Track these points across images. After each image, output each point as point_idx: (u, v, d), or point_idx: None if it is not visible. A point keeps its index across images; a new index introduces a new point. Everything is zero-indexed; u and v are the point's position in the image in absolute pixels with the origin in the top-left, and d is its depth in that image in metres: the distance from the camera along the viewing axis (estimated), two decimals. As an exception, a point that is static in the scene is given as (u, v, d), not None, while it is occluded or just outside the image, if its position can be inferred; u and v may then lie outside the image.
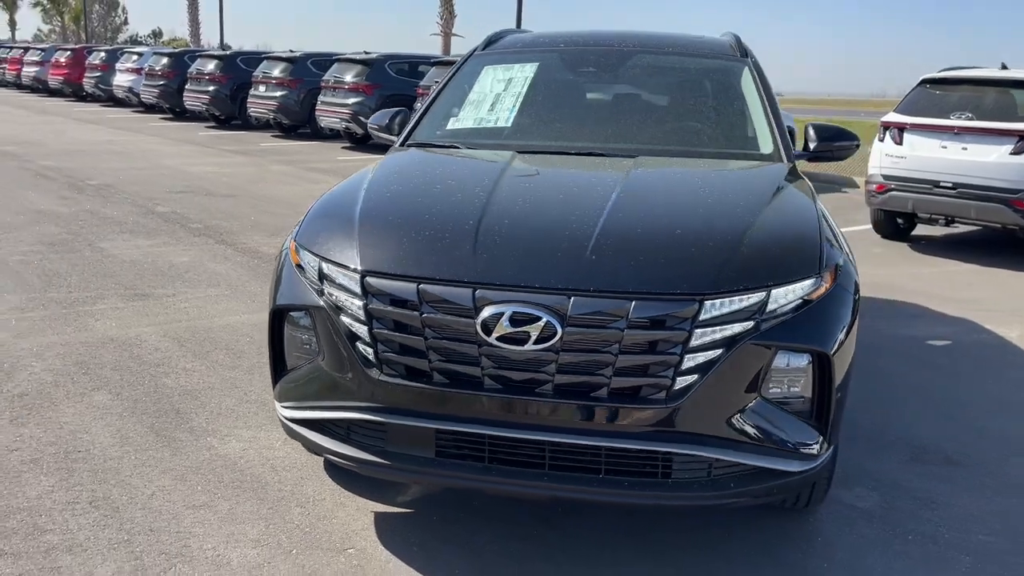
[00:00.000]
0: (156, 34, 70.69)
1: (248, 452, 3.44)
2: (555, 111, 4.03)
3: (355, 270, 2.56)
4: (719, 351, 2.38)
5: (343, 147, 16.43)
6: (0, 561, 2.62)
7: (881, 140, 8.28)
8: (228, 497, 3.07)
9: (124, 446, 3.45)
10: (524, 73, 4.10)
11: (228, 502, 3.04)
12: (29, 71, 28.69)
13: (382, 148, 4.05)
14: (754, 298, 2.42)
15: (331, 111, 15.83)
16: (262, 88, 17.73)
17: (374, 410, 2.54)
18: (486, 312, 2.37)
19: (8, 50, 32.15)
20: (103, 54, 24.84)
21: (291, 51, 18.55)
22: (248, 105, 18.14)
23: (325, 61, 17.26)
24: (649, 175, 3.29)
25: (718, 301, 2.39)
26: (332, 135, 17.13)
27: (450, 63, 13.73)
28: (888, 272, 7.29)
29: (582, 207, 2.79)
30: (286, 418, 2.77)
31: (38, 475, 3.17)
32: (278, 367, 2.85)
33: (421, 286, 2.45)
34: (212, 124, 19.85)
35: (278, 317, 2.80)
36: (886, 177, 8.13)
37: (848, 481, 3.37)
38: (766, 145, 3.61)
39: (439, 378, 2.46)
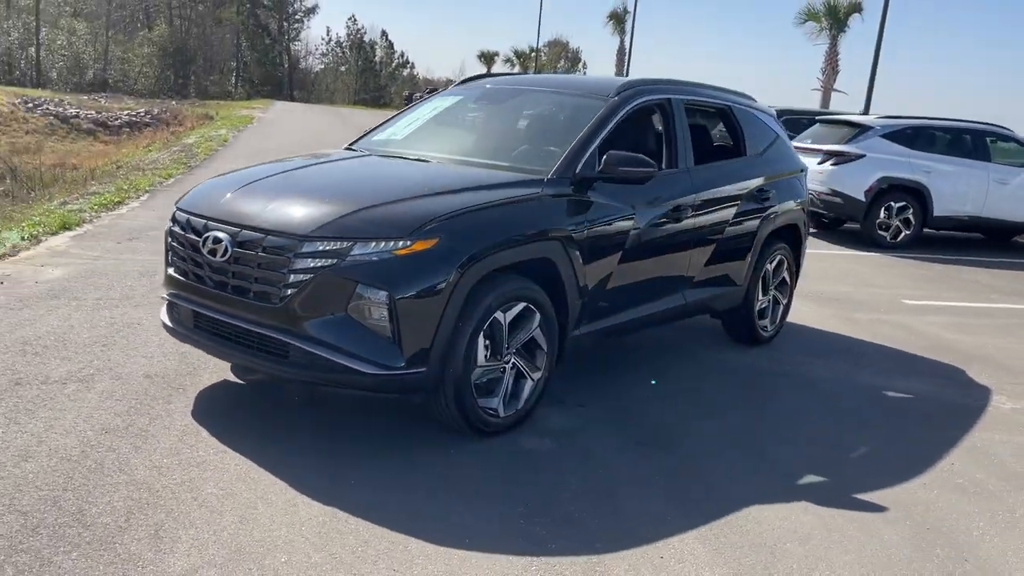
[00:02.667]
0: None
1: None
2: (432, 131, 5.18)
3: (175, 206, 4.16)
4: (310, 275, 3.53)
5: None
6: (31, 359, 4.65)
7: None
8: (169, 357, 4.81)
9: (160, 328, 5.40)
10: (446, 103, 5.32)
11: (164, 358, 4.78)
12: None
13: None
14: (340, 244, 3.52)
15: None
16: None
17: (171, 295, 4.11)
18: (204, 234, 3.81)
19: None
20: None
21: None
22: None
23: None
24: (405, 170, 4.43)
25: (312, 243, 3.54)
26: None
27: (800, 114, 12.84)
28: (994, 341, 6.75)
29: (316, 181, 4.07)
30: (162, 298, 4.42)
31: (98, 332, 5.22)
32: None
33: (188, 217, 3.97)
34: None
35: (165, 236, 4.49)
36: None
37: (548, 435, 4.10)
38: (553, 163, 4.38)
39: (191, 276, 3.94)
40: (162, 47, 53.62)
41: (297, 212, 3.72)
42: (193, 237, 3.90)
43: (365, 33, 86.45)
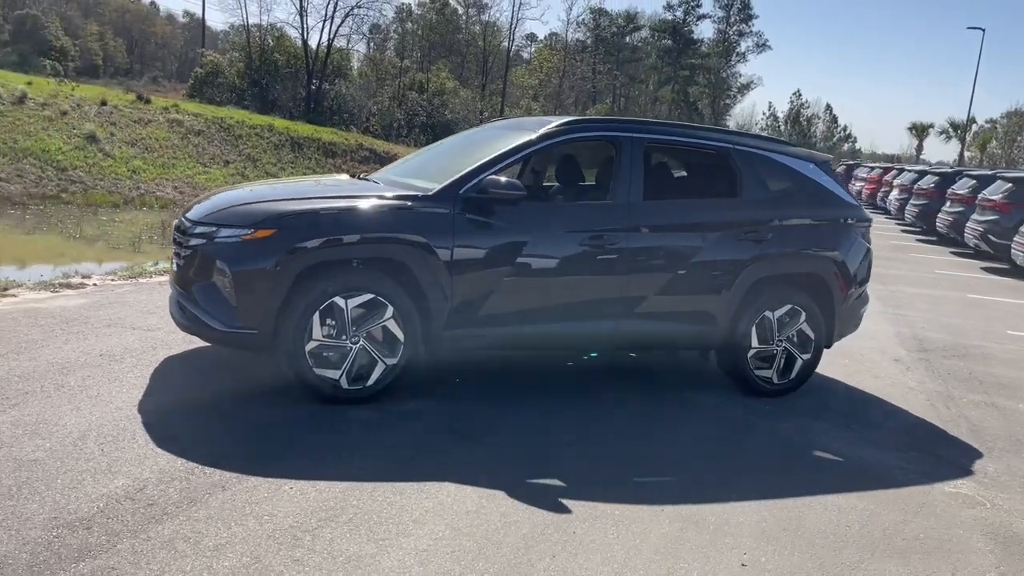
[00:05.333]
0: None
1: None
2: (425, 157, 6.00)
3: None
4: (192, 251, 4.68)
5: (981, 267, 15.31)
6: (144, 316, 6.45)
7: None
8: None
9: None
10: (456, 137, 6.10)
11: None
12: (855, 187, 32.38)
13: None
14: (209, 229, 4.62)
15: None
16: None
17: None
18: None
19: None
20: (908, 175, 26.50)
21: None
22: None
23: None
24: (326, 184, 5.40)
25: (196, 227, 4.69)
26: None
27: None
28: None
29: (254, 191, 5.17)
30: None
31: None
32: None
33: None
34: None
35: None
36: None
37: (384, 412, 4.68)
38: (442, 182, 4.92)
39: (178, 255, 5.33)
40: (599, 122, 58.87)
41: (205, 207, 4.90)
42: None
43: (807, 107, 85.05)
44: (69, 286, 7.19)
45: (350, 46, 58.85)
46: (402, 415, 4.68)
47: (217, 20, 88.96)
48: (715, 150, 5.70)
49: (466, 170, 4.99)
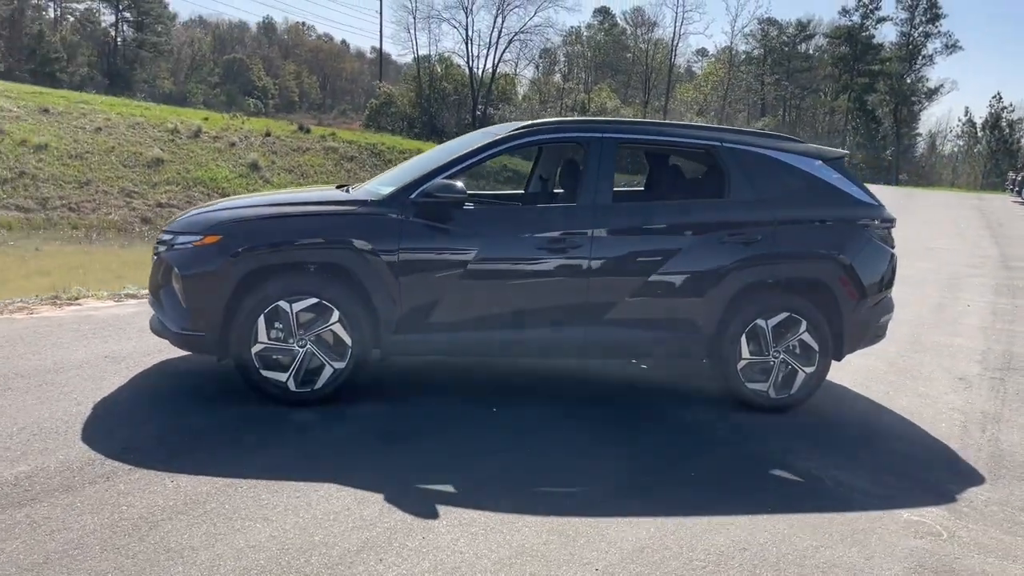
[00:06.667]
0: None
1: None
2: (398, 168, 5.86)
3: None
4: (158, 258, 4.95)
5: None
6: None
7: None
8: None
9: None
10: (453, 141, 6.06)
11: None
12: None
13: None
14: (172, 236, 4.86)
15: None
16: None
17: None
18: (164, 235, 5.50)
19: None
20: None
21: None
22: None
23: None
24: (296, 193, 5.40)
25: (163, 235, 4.95)
26: None
27: None
28: None
29: (244, 201, 5.36)
30: None
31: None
32: None
33: None
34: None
35: None
36: None
37: (325, 414, 4.70)
38: (396, 186, 4.90)
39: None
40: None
41: (179, 218, 5.16)
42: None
43: (1011, 110, 77.49)
44: (135, 296, 7.78)
45: (517, 71, 60.14)
46: (341, 417, 4.68)
47: (396, 53, 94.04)
48: (700, 148, 5.33)
49: (418, 175, 4.96)
